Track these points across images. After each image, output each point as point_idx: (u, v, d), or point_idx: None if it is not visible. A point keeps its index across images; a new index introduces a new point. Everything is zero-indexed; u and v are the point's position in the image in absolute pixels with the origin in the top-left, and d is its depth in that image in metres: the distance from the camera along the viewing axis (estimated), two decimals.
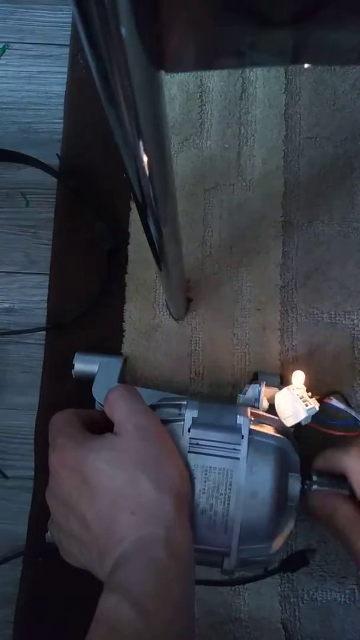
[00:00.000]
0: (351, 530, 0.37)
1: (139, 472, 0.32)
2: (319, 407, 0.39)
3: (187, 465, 0.35)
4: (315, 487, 0.39)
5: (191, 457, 0.36)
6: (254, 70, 0.55)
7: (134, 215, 0.53)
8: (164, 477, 0.32)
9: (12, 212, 0.55)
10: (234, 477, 0.35)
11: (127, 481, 0.32)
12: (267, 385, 0.41)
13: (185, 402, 0.38)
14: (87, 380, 0.46)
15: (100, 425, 0.37)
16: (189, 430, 0.37)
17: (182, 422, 0.37)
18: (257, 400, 0.40)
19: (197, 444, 0.36)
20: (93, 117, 0.55)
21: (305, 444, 0.46)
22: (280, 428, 0.39)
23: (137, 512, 0.31)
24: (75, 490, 0.32)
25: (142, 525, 0.30)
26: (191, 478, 0.35)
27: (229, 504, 0.35)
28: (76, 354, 0.47)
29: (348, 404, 0.43)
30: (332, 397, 0.43)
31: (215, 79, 0.55)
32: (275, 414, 0.40)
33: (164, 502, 0.31)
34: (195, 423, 0.37)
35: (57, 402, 0.50)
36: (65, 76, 0.57)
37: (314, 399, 0.39)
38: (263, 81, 0.55)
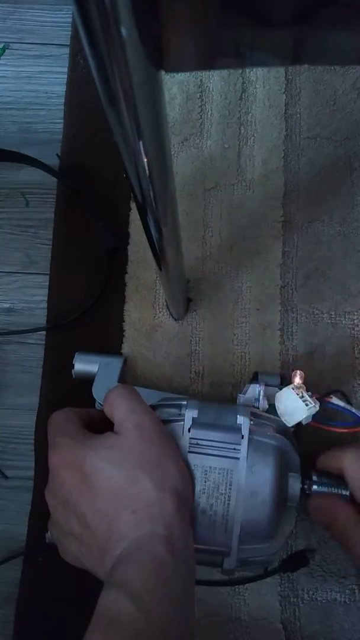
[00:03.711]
0: (351, 532, 0.37)
1: (139, 471, 0.32)
2: (319, 406, 0.39)
3: (187, 465, 0.35)
4: (315, 487, 0.39)
5: (191, 457, 0.36)
6: (254, 70, 0.55)
7: (134, 215, 0.53)
8: (164, 476, 0.32)
9: (12, 212, 0.55)
10: (234, 477, 0.35)
11: (127, 480, 0.32)
12: (267, 385, 0.41)
13: (185, 402, 0.38)
14: (87, 380, 0.46)
15: (100, 425, 0.37)
16: (189, 430, 0.37)
17: (182, 422, 0.37)
18: (257, 400, 0.40)
19: (197, 444, 0.36)
20: (93, 117, 0.55)
21: (305, 444, 0.46)
22: (280, 428, 0.39)
23: (137, 510, 0.31)
24: (75, 490, 0.32)
25: (143, 524, 0.30)
26: (191, 478, 0.35)
27: (229, 504, 0.35)
28: (76, 354, 0.47)
29: (348, 401, 0.43)
30: (332, 396, 0.43)
31: (215, 79, 0.55)
32: (275, 414, 0.40)
33: (164, 500, 0.31)
34: (195, 423, 0.37)
35: (57, 402, 0.50)
36: (65, 76, 0.57)
37: (314, 398, 0.39)
38: (263, 81, 0.55)
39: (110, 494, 0.32)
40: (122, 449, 0.33)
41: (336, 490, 0.39)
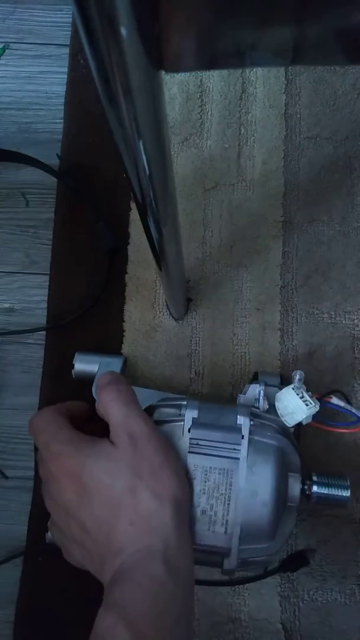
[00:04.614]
0: None
1: (137, 481, 0.32)
2: (319, 406, 0.39)
3: (186, 465, 0.35)
4: (315, 487, 0.38)
5: (191, 458, 0.36)
6: (254, 70, 0.55)
7: (134, 215, 0.53)
8: (161, 485, 0.32)
9: (12, 212, 0.55)
10: (234, 478, 0.35)
11: (125, 491, 0.31)
12: (267, 385, 0.41)
13: (185, 402, 0.38)
14: (87, 380, 0.46)
15: (82, 418, 0.37)
16: (189, 431, 0.36)
17: (182, 423, 0.37)
18: (257, 400, 0.40)
19: (197, 444, 0.36)
20: (93, 117, 0.55)
21: (305, 444, 0.46)
22: (281, 428, 0.39)
23: (135, 522, 0.31)
24: (75, 497, 0.32)
25: (141, 538, 0.30)
26: (191, 478, 0.35)
27: (229, 504, 0.35)
28: (76, 354, 0.47)
29: (348, 401, 0.43)
30: (332, 396, 0.43)
31: (215, 79, 0.55)
32: (275, 414, 0.40)
33: (162, 511, 0.31)
34: (196, 423, 0.37)
35: (57, 402, 0.50)
36: (65, 76, 0.57)
37: (314, 398, 0.39)
38: (263, 81, 0.55)
39: (109, 504, 0.31)
40: (118, 460, 0.32)
41: (336, 492, 0.39)
